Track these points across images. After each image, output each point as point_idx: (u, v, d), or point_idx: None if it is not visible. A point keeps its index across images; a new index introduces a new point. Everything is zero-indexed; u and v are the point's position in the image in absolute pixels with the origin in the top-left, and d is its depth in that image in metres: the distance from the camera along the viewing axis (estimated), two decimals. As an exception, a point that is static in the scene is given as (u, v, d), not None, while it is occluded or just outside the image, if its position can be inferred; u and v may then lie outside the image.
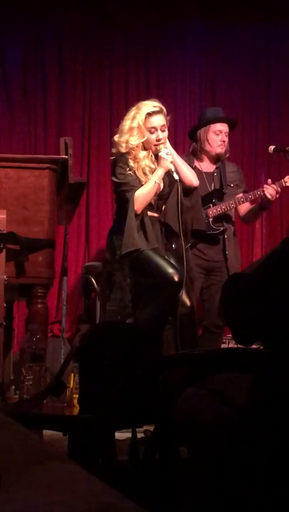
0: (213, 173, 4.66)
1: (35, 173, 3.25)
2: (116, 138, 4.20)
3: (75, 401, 2.66)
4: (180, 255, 4.20)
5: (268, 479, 1.58)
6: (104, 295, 4.48)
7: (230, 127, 4.73)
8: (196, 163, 4.66)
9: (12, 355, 4.10)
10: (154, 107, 4.17)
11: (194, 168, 4.53)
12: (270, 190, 4.54)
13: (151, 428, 2.66)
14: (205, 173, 4.65)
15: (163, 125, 4.18)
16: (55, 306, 6.04)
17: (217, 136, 4.61)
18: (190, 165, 4.47)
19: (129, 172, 4.10)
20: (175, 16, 6.25)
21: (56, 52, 6.20)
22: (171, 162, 4.11)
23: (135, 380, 1.90)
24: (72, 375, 2.73)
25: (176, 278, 3.99)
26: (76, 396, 2.65)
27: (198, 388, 1.85)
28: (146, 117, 4.14)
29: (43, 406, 2.68)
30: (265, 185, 4.58)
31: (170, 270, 4.00)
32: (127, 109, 6.22)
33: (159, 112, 4.18)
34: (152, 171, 4.13)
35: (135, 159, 4.12)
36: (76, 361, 2.70)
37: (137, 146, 4.13)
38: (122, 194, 4.12)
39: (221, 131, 4.62)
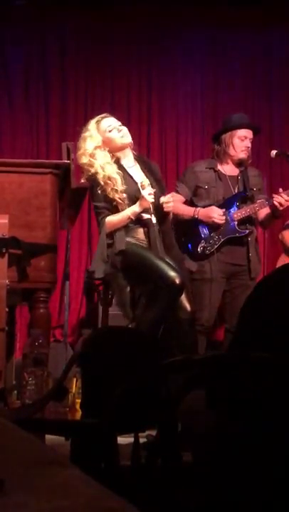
0: (237, 176, 4.72)
1: (38, 178, 3.25)
2: (78, 160, 3.96)
3: (78, 406, 2.66)
4: (179, 259, 4.20)
5: (269, 484, 1.58)
6: (106, 299, 4.47)
7: (254, 134, 4.83)
8: (220, 167, 4.73)
9: (14, 359, 4.10)
10: (101, 115, 4.11)
11: (218, 171, 4.67)
12: (278, 199, 4.61)
13: (153, 433, 2.66)
14: (229, 176, 4.72)
15: (118, 123, 4.10)
16: (57, 311, 6.04)
17: (242, 142, 4.69)
18: (213, 168, 4.66)
19: (101, 192, 3.99)
20: (176, 24, 6.26)
21: (58, 58, 6.22)
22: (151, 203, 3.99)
23: (137, 384, 1.90)
24: (75, 379, 2.73)
25: (177, 281, 3.96)
26: (78, 401, 2.66)
27: (201, 392, 1.85)
28: (96, 125, 4.07)
29: (45, 411, 2.68)
30: (274, 194, 4.66)
31: (171, 273, 3.97)
32: (129, 113, 6.25)
33: (108, 116, 4.13)
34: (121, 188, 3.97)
35: (104, 178, 3.96)
36: (78, 366, 2.70)
37: (97, 159, 3.97)
38: (96, 214, 4.08)
39: (245, 137, 4.71)
